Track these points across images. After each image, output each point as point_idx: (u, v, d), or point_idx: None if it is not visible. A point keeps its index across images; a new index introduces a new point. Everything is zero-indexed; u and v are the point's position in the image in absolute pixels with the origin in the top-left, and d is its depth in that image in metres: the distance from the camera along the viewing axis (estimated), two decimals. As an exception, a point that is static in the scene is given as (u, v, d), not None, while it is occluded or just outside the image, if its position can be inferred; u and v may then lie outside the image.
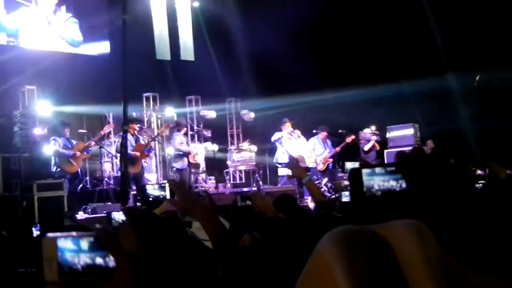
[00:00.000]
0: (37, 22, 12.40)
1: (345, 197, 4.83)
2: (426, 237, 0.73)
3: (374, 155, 12.48)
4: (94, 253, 1.15)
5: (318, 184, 9.75)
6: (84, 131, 11.50)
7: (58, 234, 1.17)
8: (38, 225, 5.98)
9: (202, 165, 12.57)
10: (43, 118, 10.70)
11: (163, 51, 14.32)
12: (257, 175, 12.26)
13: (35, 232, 5.64)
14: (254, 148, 12.91)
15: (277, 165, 11.77)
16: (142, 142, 10.59)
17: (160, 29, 14.34)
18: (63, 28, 12.81)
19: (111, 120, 12.75)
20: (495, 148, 10.45)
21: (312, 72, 13.55)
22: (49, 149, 9.73)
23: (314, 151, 11.99)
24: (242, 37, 14.38)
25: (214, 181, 12.89)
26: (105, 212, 8.38)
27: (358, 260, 0.70)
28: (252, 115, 14.32)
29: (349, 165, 9.93)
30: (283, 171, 11.36)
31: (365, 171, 1.31)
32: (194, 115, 14.15)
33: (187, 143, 11.90)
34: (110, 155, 11.59)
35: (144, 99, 13.28)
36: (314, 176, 10.98)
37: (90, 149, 10.16)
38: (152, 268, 1.20)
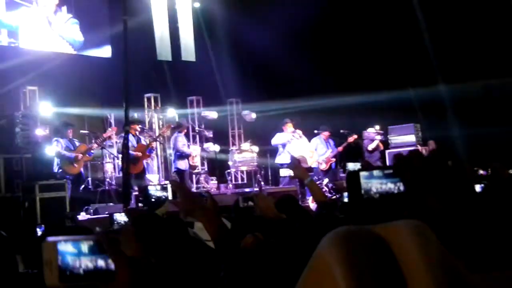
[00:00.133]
0: (38, 23, 12.40)
1: (346, 197, 4.82)
2: (426, 237, 0.73)
3: (378, 155, 12.45)
4: (96, 256, 1.14)
5: (319, 185, 9.74)
6: (86, 131, 11.51)
7: (59, 237, 1.16)
8: (43, 226, 5.99)
9: (198, 167, 12.62)
10: (44, 119, 10.71)
11: (164, 52, 14.33)
12: (258, 175, 12.26)
13: (40, 232, 5.65)
14: (256, 148, 12.90)
15: (279, 165, 11.77)
16: (143, 143, 10.60)
17: (161, 30, 14.34)
18: (63, 28, 12.82)
19: (112, 120, 12.76)
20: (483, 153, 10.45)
21: (313, 73, 13.56)
22: (52, 150, 9.74)
23: (317, 151, 11.97)
24: (243, 37, 14.38)
25: (216, 182, 12.89)
26: (107, 213, 8.39)
27: (358, 261, 0.70)
28: (254, 115, 14.31)
29: (351, 165, 9.93)
30: (284, 172, 11.36)
31: (362, 174, 1.31)
32: (196, 116, 14.15)
33: (188, 145, 11.91)
34: (112, 156, 11.60)
35: (146, 100, 13.29)
36: (315, 177, 10.97)
37: (92, 151, 10.17)
38: (153, 272, 1.20)
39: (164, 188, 4.69)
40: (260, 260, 1.91)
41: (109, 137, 11.12)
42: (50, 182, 8.94)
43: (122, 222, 4.74)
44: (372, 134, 12.55)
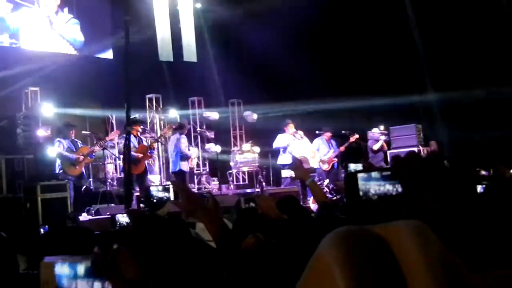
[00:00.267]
0: (39, 23, 12.42)
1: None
2: (427, 237, 0.73)
3: (382, 156, 12.43)
4: (92, 279, 1.13)
5: (320, 185, 9.73)
6: (87, 132, 11.51)
7: (56, 258, 1.15)
8: (46, 226, 5.99)
9: (194, 169, 12.68)
10: (46, 120, 10.71)
11: (165, 52, 14.33)
12: (260, 176, 12.25)
13: (43, 233, 5.66)
14: (257, 149, 12.90)
15: (280, 166, 11.77)
16: (145, 143, 10.60)
17: (163, 31, 14.35)
18: (64, 28, 12.83)
19: (114, 121, 12.77)
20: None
21: (314, 74, 13.57)
22: (53, 151, 9.75)
23: (319, 151, 11.97)
24: (244, 38, 14.38)
25: (217, 183, 12.89)
26: (108, 213, 8.39)
27: (358, 261, 0.70)
28: (255, 116, 14.31)
29: (353, 166, 9.91)
30: (286, 173, 11.35)
31: (360, 175, 1.31)
32: (197, 117, 14.16)
33: (188, 147, 11.92)
34: (113, 156, 11.60)
35: (147, 100, 13.29)
36: (316, 178, 10.97)
37: (93, 154, 10.18)
38: None
39: (166, 189, 4.70)
40: (261, 261, 1.91)
41: (111, 139, 11.13)
42: (52, 183, 8.93)
43: (124, 223, 4.75)
44: (377, 135, 12.52)
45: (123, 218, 4.82)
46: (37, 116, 10.47)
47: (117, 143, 11.07)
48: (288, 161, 11.41)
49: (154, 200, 4.59)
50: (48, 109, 10.91)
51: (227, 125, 14.84)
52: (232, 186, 12.93)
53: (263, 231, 2.38)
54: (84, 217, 8.94)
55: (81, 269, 1.14)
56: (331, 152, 12.06)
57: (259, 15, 13.88)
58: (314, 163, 11.69)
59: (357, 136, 12.24)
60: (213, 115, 14.10)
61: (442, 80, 13.01)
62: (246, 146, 13.32)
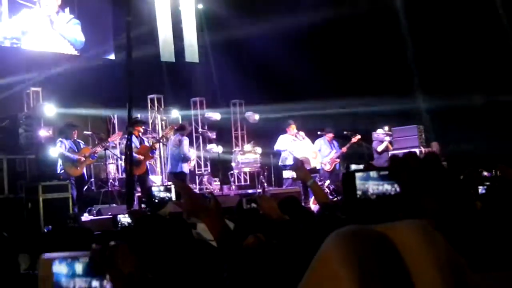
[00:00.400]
0: (40, 24, 12.43)
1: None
2: (434, 237, 0.72)
3: (387, 157, 12.38)
4: (90, 277, 1.13)
5: (321, 186, 9.72)
6: (89, 132, 11.52)
7: (54, 255, 1.15)
8: (50, 226, 6.00)
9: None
10: (48, 120, 10.72)
11: (167, 53, 14.35)
12: (262, 177, 12.25)
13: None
14: (259, 150, 12.90)
15: (282, 167, 11.77)
16: (146, 144, 10.60)
17: (165, 31, 14.36)
18: (65, 28, 12.84)
19: (115, 121, 12.78)
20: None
21: (316, 75, 13.55)
22: (55, 151, 9.75)
23: (321, 152, 11.95)
24: (246, 39, 14.38)
25: (219, 183, 12.89)
26: (110, 214, 8.40)
27: (364, 261, 0.69)
28: (257, 117, 14.31)
29: (354, 167, 9.88)
30: (288, 173, 11.35)
31: (358, 175, 1.30)
32: (199, 117, 14.16)
33: (189, 149, 11.92)
34: (115, 157, 11.60)
35: (149, 101, 13.30)
36: (317, 179, 10.96)
37: (95, 155, 10.18)
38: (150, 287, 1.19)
39: (167, 189, 4.70)
40: (263, 261, 1.91)
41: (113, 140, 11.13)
42: (53, 183, 8.94)
43: (126, 224, 4.75)
44: (381, 136, 12.49)
45: (124, 219, 4.82)
46: (39, 116, 10.48)
47: (119, 143, 11.08)
48: (290, 161, 11.41)
49: (156, 201, 4.59)
50: (50, 109, 10.92)
51: (228, 125, 14.85)
52: (233, 186, 12.93)
53: (265, 232, 2.38)
54: (85, 217, 8.94)
55: (79, 267, 1.14)
56: (333, 153, 12.04)
57: (261, 15, 13.88)
58: (315, 164, 11.69)
59: (359, 136, 12.21)
60: (215, 115, 14.10)
61: (442, 81, 13.00)
62: (248, 146, 13.33)
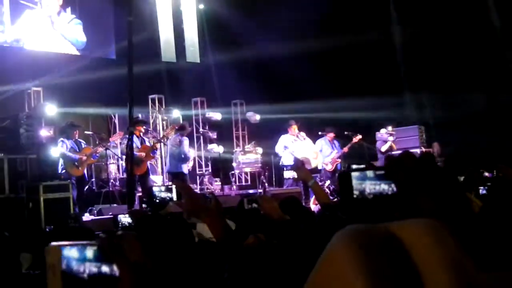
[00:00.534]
0: (41, 24, 12.43)
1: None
2: (443, 235, 0.72)
3: None
4: (100, 262, 1.13)
5: (322, 186, 9.73)
6: (90, 132, 11.53)
7: (63, 242, 1.15)
8: (52, 226, 6.01)
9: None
10: (49, 120, 10.73)
11: (168, 53, 14.35)
12: (262, 177, 12.25)
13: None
14: (260, 150, 12.90)
15: (283, 167, 11.76)
16: (147, 144, 10.60)
17: (166, 31, 14.36)
18: (66, 28, 12.84)
19: (116, 121, 12.78)
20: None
21: (316, 74, 13.55)
22: (56, 151, 9.75)
23: (322, 152, 11.94)
24: (247, 39, 14.38)
25: (220, 183, 12.89)
26: (111, 214, 8.40)
27: (373, 260, 0.68)
28: (258, 117, 14.31)
29: (355, 167, 9.88)
30: (288, 174, 11.34)
31: (355, 174, 1.31)
32: (200, 117, 14.16)
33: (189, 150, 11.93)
34: (116, 156, 11.61)
35: (150, 101, 13.30)
36: (318, 179, 10.96)
37: (97, 154, 10.18)
38: (157, 276, 1.20)
39: (168, 189, 4.70)
40: (264, 261, 1.91)
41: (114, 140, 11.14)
42: (54, 183, 8.95)
43: (126, 224, 4.75)
44: (385, 136, 12.48)
45: (125, 219, 4.82)
46: (40, 116, 10.49)
47: (120, 143, 11.09)
48: (291, 161, 11.41)
49: (157, 201, 4.59)
50: (51, 109, 10.93)
51: (229, 125, 14.85)
52: (234, 186, 12.93)
53: (266, 232, 2.38)
54: (86, 217, 8.95)
55: (89, 252, 1.14)
56: (334, 153, 12.03)
57: (262, 16, 13.88)
58: (316, 164, 11.68)
59: (360, 136, 12.20)
60: (215, 115, 14.11)
61: (443, 81, 13.00)
62: (249, 146, 13.33)
